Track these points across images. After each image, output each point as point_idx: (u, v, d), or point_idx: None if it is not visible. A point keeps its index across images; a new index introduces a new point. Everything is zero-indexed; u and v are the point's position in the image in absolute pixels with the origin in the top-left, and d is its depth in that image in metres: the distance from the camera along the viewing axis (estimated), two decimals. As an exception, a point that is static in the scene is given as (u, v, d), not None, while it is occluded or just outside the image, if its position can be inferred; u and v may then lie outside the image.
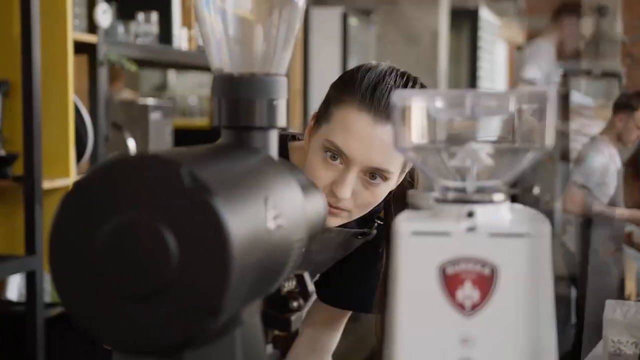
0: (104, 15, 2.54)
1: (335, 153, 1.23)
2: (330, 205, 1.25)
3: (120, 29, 2.84)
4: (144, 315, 0.59)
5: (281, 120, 0.79)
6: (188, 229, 0.59)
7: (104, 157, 2.64)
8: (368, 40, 5.42)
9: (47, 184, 2.32)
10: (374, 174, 1.24)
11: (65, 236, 0.61)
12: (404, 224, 0.66)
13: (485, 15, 7.60)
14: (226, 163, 0.67)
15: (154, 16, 2.97)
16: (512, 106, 0.65)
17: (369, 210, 1.30)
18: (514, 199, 3.92)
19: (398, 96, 0.67)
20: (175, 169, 0.59)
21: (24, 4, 2.26)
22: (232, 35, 0.78)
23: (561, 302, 4.67)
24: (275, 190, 0.70)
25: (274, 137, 0.79)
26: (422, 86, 1.30)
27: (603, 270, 4.46)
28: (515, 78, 4.62)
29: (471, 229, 0.65)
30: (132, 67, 2.64)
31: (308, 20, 4.51)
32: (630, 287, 4.76)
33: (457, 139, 0.70)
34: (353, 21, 4.93)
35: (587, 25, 4.63)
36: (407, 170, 1.32)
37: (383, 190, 1.27)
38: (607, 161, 4.45)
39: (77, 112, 2.45)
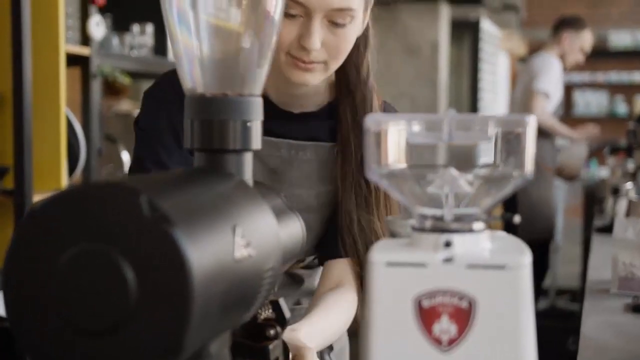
0: (97, 27, 2.51)
1: (291, 8, 1.18)
2: (303, 62, 1.22)
3: (115, 40, 2.81)
4: (99, 351, 0.56)
5: (256, 143, 0.76)
6: (147, 261, 0.56)
7: (97, 170, 2.61)
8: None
9: (38, 198, 2.29)
10: (337, 18, 1.20)
11: (20, 265, 0.58)
12: (378, 254, 0.63)
13: (487, 26, 7.57)
14: (192, 190, 0.64)
15: (149, 28, 2.94)
16: (491, 131, 0.62)
17: (343, 58, 1.25)
18: (507, 226, 3.86)
19: (372, 120, 0.64)
20: (134, 197, 0.56)
21: (15, 15, 2.24)
22: (205, 54, 0.75)
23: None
24: (245, 217, 0.67)
25: (248, 160, 0.76)
26: None
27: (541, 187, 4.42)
28: (524, 89, 4.56)
29: (448, 260, 0.62)
30: (126, 80, 2.62)
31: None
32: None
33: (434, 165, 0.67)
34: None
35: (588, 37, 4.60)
36: (370, 8, 1.29)
37: (351, 31, 1.23)
38: (558, 74, 4.44)
39: (70, 125, 2.42)
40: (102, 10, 2.67)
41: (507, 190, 0.65)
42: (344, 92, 1.36)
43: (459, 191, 0.65)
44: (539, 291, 4.81)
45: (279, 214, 0.76)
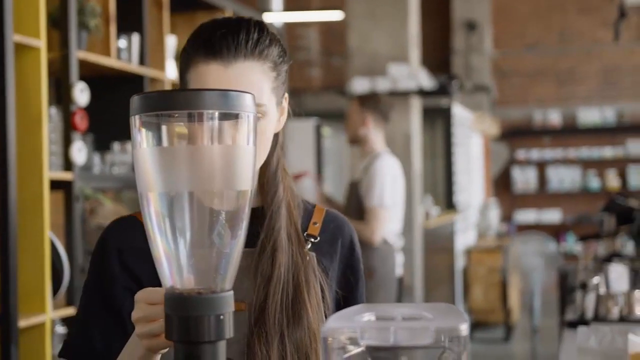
0: (79, 153, 2.62)
1: None
2: None
3: (97, 159, 2.92)
4: None
5: (229, 331, 0.86)
6: None
7: (80, 288, 2.68)
8: (341, 146, 5.55)
9: (23, 322, 2.35)
10: None
11: None
12: None
13: (459, 111, 7.78)
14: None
15: (129, 146, 3.06)
16: (430, 339, 0.72)
17: (263, 155, 1.24)
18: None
19: (328, 328, 0.74)
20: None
21: (0, 145, 2.34)
22: (181, 258, 0.86)
23: None
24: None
25: (222, 347, 0.86)
26: (264, 29, 1.23)
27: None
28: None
29: None
30: (107, 201, 2.72)
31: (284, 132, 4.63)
32: None
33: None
34: (326, 131, 5.07)
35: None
36: (285, 102, 1.29)
37: (263, 128, 1.22)
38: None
39: (53, 247, 2.51)
40: (84, 132, 2.78)
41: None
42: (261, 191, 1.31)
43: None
44: None
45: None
